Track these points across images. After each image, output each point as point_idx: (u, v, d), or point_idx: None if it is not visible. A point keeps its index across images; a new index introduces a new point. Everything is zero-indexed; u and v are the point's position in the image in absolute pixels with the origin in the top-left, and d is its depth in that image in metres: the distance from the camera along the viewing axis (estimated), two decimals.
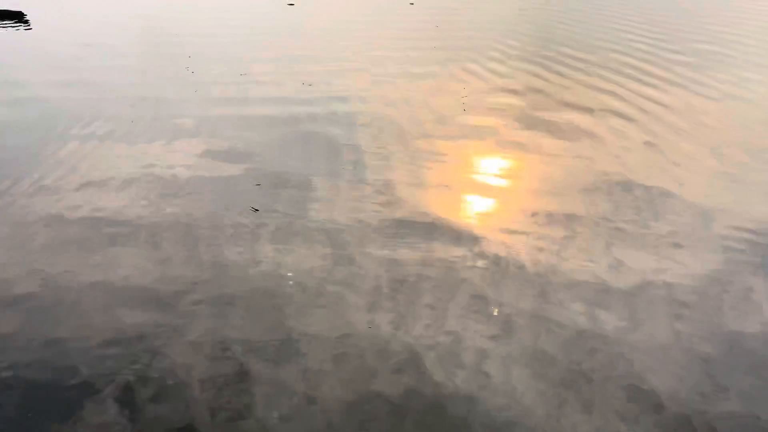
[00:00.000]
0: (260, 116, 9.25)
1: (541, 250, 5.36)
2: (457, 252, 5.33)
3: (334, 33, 16.94)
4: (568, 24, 17.28)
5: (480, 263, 5.14)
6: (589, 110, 9.51)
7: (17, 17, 19.34)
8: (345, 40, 15.76)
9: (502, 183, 6.93)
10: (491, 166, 7.46)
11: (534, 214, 6.07)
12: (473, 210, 6.32)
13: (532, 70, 12.10)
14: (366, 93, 10.59)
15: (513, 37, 15.33)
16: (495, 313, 4.40)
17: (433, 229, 5.75)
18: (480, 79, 11.49)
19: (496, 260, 5.19)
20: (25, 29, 17.22)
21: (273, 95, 10.50)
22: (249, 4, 23.59)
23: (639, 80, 11.30)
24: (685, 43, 14.41)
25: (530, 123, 8.91)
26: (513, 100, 10.07)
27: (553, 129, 8.64)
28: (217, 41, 15.23)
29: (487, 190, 6.72)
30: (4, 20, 18.74)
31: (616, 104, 9.81)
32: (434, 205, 6.29)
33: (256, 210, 6.11)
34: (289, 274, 5.00)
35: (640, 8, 19.46)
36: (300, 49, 14.36)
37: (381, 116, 9.31)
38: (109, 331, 4.22)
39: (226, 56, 13.29)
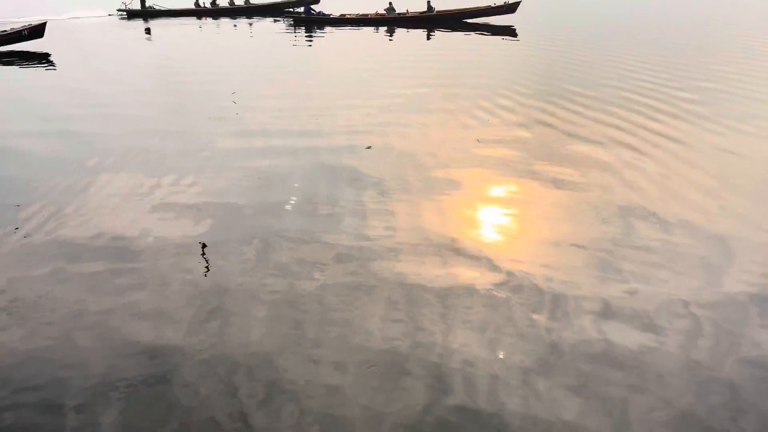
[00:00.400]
0: (270, 148, 9.53)
1: (552, 278, 5.46)
2: (470, 277, 5.42)
3: (346, 74, 17.41)
4: (574, 65, 17.67)
5: (495, 290, 5.25)
6: (599, 143, 9.77)
7: (42, 58, 20.01)
8: (358, 80, 16.21)
9: (516, 212, 7.11)
10: (505, 196, 7.66)
11: (548, 243, 6.21)
12: (487, 238, 6.47)
13: (542, 107, 12.42)
14: (379, 127, 10.90)
15: (522, 78, 15.72)
16: (492, 371, 4.32)
17: (446, 257, 5.82)
18: (491, 114, 11.81)
19: (511, 288, 5.30)
20: (47, 69, 17.79)
21: (286, 129, 10.82)
22: (263, 46, 24.23)
23: (645, 115, 11.59)
24: (688, 81, 14.78)
25: (541, 155, 9.15)
26: (524, 134, 10.36)
27: (563, 161, 8.88)
28: (231, 81, 15.67)
29: (501, 219, 6.86)
30: (29, 61, 19.38)
31: (625, 137, 10.06)
32: (447, 234, 6.41)
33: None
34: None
35: (643, 50, 19.96)
36: (315, 86, 14.77)
37: (394, 149, 9.58)
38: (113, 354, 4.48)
39: (242, 94, 13.70)
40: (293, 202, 7.39)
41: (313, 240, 6.52)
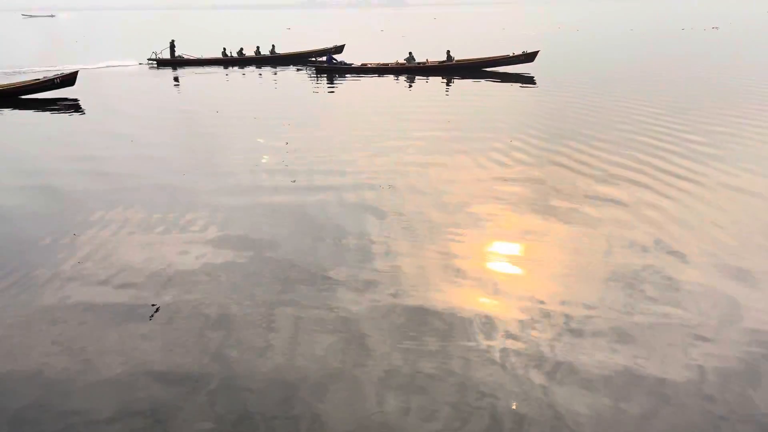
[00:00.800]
0: (280, 202, 9.70)
1: (570, 312, 5.55)
2: (476, 341, 5.37)
3: (365, 118, 17.90)
4: (587, 110, 17.94)
5: (515, 323, 5.34)
6: (613, 183, 10.04)
7: (72, 104, 20.91)
8: (377, 124, 16.67)
9: (535, 248, 7.35)
10: (522, 233, 7.83)
11: (565, 277, 6.38)
12: (506, 273, 6.64)
13: (557, 149, 12.77)
14: (399, 167, 11.24)
15: (534, 123, 16.07)
16: (513, 407, 4.44)
17: (453, 316, 5.79)
18: (505, 159, 12.13)
19: (531, 321, 5.42)
20: (76, 114, 18.59)
21: (307, 169, 11.21)
22: (286, 94, 24.95)
23: (659, 156, 11.90)
24: (700, 126, 15.02)
25: (556, 194, 9.41)
26: (539, 173, 10.73)
27: (578, 199, 9.12)
28: (243, 131, 16.12)
29: (516, 267, 6.93)
30: (59, 107, 20.27)
31: (640, 178, 10.37)
32: (458, 289, 6.44)
33: (156, 309, 6.20)
34: None
35: (654, 96, 20.26)
36: (324, 136, 15.17)
37: (415, 188, 9.87)
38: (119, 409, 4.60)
39: (250, 144, 14.20)
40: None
41: (330, 276, 6.67)
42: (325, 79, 28.30)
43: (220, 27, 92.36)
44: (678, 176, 10.58)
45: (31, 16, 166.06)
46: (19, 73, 28.92)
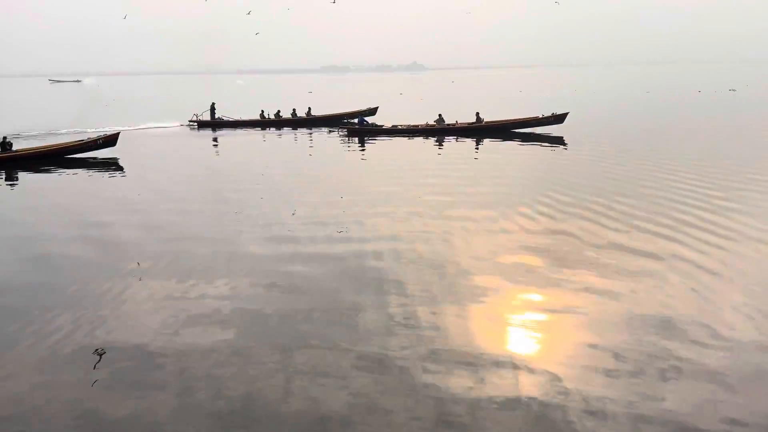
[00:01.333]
0: (307, 254, 10.26)
1: (585, 389, 5.64)
2: (502, 388, 5.66)
3: (391, 180, 18.38)
4: (615, 173, 18.27)
5: (527, 400, 5.45)
6: (642, 250, 10.26)
7: (111, 164, 22.34)
8: (397, 186, 17.18)
9: (553, 319, 7.52)
10: (539, 302, 8.06)
11: (582, 349, 6.56)
12: (520, 347, 6.75)
13: (582, 214, 12.98)
14: (418, 234, 11.65)
15: (561, 185, 16.40)
16: None
17: (478, 366, 6.07)
18: (531, 219, 12.58)
19: (543, 397, 5.54)
20: (114, 175, 19.95)
21: (320, 234, 11.67)
22: (316, 156, 25.88)
23: (690, 223, 11.94)
24: (730, 191, 15.18)
25: (582, 260, 9.71)
26: (564, 239, 11.00)
27: (605, 266, 9.41)
28: (269, 188, 16.99)
29: (538, 326, 7.23)
30: (99, 167, 21.72)
31: (669, 244, 10.55)
32: (483, 341, 6.74)
33: (101, 354, 6.53)
34: None
35: (682, 159, 20.39)
36: (351, 191, 15.99)
37: (438, 253, 10.21)
38: None
39: (278, 199, 15.03)
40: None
41: (337, 347, 6.68)
42: (356, 140, 29.01)
43: (245, 91, 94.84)
44: (706, 230, 10.94)
45: (58, 81, 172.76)
46: (53, 134, 30.55)
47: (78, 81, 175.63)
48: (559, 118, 29.57)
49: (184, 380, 6.07)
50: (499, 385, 5.79)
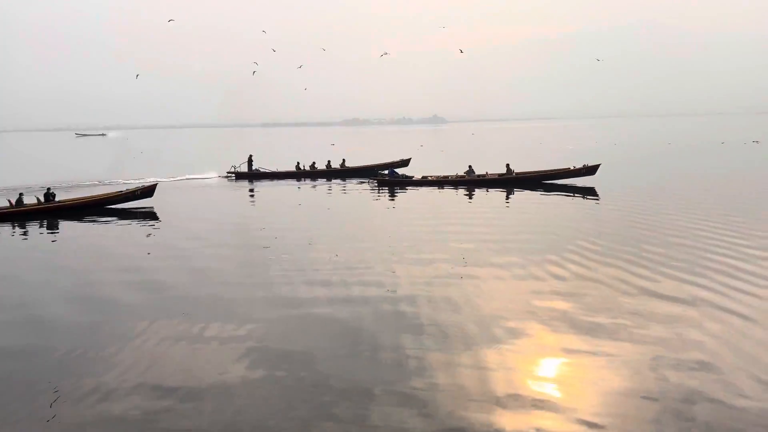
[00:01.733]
0: (345, 298, 10.71)
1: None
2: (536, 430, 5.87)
3: (420, 229, 19.02)
4: (643, 224, 18.59)
5: None
6: (674, 299, 10.59)
7: (147, 215, 23.42)
8: (430, 235, 17.81)
9: (587, 361, 7.82)
10: (569, 348, 8.31)
11: (611, 395, 6.82)
12: (549, 390, 7.01)
13: (612, 263, 13.36)
14: (451, 279, 12.07)
15: (588, 235, 16.81)
16: None
17: (515, 408, 6.34)
18: (560, 270, 12.95)
19: None
20: (148, 225, 21.03)
21: (358, 280, 12.13)
22: (348, 205, 26.65)
23: (719, 271, 12.35)
24: (756, 239, 15.67)
25: (604, 309, 9.98)
26: (593, 290, 11.30)
27: (636, 312, 9.70)
28: (289, 242, 17.49)
29: (571, 370, 7.54)
30: (135, 217, 22.93)
31: (699, 291, 10.91)
32: (509, 385, 6.94)
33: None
34: None
35: (707, 209, 20.76)
36: (377, 247, 16.11)
37: (469, 299, 10.57)
38: None
39: (297, 256, 15.30)
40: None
41: (380, 384, 7.07)
42: (387, 191, 29.72)
43: (270, 144, 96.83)
44: (734, 277, 11.30)
45: (84, 134, 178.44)
46: (80, 187, 31.86)
47: (103, 134, 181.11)
48: (591, 170, 29.58)
49: (232, 415, 6.62)
50: (532, 428, 6.14)
